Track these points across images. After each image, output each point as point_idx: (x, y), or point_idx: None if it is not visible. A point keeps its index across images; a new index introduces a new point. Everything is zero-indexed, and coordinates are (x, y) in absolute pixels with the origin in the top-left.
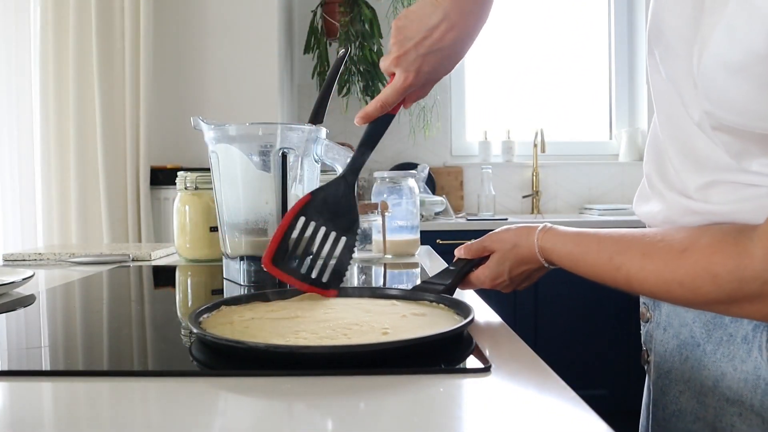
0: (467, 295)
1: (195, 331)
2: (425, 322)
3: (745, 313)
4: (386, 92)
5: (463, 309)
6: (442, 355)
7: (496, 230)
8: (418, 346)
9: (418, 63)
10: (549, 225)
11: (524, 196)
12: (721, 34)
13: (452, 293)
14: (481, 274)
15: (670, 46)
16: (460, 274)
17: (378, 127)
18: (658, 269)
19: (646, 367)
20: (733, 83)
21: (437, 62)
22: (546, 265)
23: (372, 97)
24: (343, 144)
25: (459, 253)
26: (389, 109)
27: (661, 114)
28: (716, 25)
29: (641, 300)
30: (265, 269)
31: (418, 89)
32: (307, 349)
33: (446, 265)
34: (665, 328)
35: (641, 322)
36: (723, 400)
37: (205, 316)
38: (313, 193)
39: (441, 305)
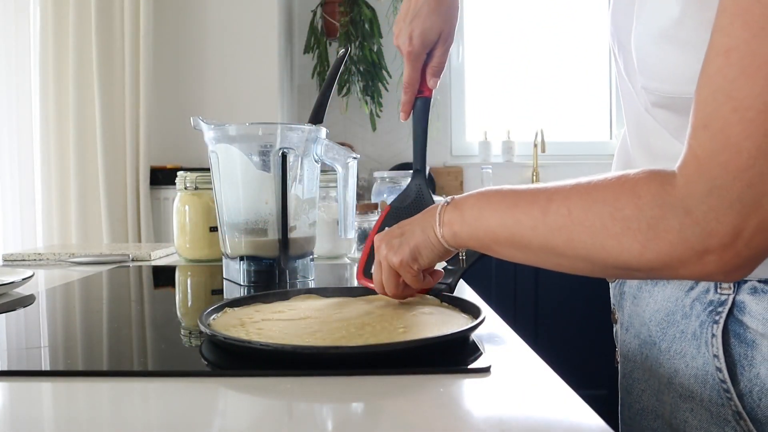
0: (467, 295)
1: (209, 332)
2: (438, 320)
3: (659, 254)
4: (404, 72)
5: (468, 307)
6: (442, 355)
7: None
8: (425, 347)
9: (408, 31)
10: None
11: None
12: (648, 7)
13: (453, 291)
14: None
15: (621, 43)
16: (460, 273)
17: (418, 115)
18: (581, 194)
19: (618, 368)
20: (658, 50)
21: (422, 22)
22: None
23: (372, 98)
24: (343, 144)
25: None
26: (414, 88)
27: (628, 115)
28: (646, 2)
29: (611, 301)
30: (359, 283)
31: (429, 58)
32: (337, 349)
33: (445, 264)
34: (627, 329)
35: (613, 323)
36: (677, 396)
37: (212, 317)
38: (392, 204)
39: (444, 303)
